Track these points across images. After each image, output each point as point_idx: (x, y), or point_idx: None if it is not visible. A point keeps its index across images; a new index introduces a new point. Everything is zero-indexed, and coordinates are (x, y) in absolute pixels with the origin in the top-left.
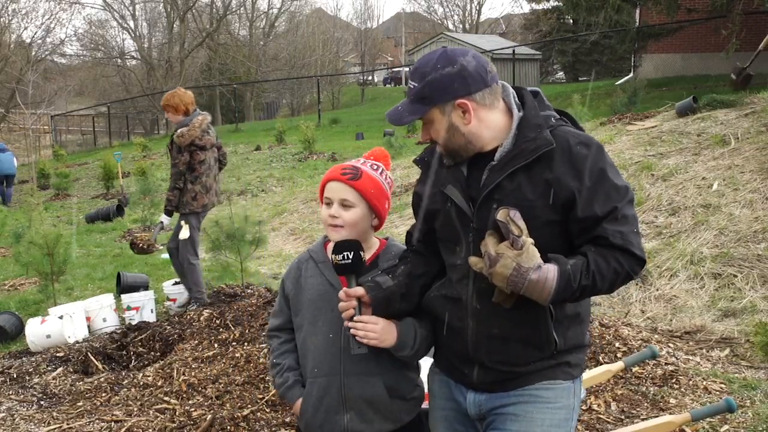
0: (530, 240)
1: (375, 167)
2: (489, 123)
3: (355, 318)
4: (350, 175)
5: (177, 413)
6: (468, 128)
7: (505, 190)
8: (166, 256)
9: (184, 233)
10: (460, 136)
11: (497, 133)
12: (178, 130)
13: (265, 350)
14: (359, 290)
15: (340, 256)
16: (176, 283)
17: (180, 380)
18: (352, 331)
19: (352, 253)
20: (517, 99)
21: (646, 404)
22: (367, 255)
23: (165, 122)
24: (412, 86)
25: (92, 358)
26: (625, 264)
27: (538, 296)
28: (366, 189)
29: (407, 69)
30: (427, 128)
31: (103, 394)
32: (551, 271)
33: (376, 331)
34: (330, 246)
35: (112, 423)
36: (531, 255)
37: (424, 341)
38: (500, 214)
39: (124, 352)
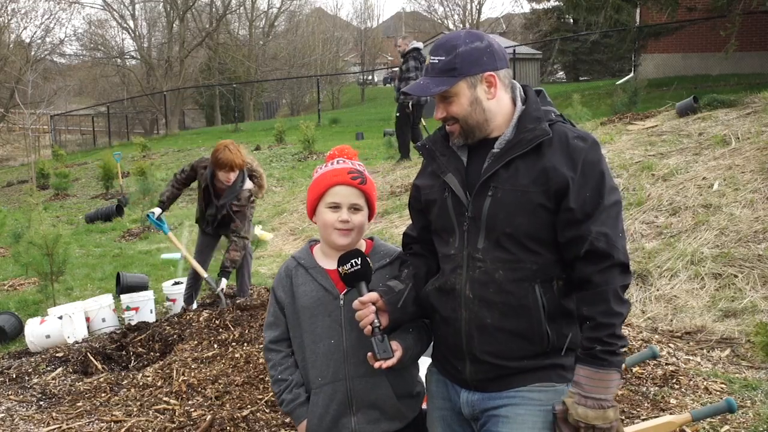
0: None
1: (360, 166)
2: (502, 105)
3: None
4: (360, 180)
5: (177, 413)
6: (489, 104)
7: (501, 178)
8: (165, 256)
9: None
10: (482, 111)
11: (504, 119)
12: (249, 189)
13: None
14: (373, 295)
15: (349, 265)
16: (176, 284)
17: (179, 380)
18: (382, 365)
19: (359, 258)
20: (522, 93)
21: (646, 404)
22: None
23: (165, 122)
24: (437, 60)
25: (92, 358)
26: (612, 282)
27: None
28: (371, 192)
29: None
30: (447, 103)
31: (103, 395)
32: (615, 381)
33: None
34: (316, 249)
35: (112, 423)
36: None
37: (419, 342)
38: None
39: (124, 353)
